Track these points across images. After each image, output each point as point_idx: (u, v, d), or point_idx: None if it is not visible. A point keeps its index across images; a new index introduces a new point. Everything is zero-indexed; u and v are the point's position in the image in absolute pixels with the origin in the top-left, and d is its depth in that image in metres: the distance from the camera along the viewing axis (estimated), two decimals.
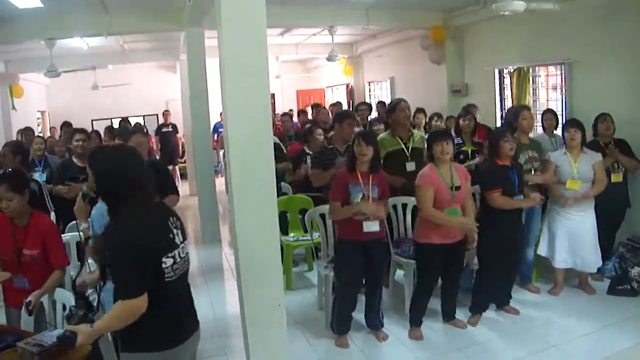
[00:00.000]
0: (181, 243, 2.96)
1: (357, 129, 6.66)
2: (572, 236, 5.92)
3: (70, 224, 5.49)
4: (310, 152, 7.00)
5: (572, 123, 5.99)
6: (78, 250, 5.23)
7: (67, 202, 5.83)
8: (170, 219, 2.98)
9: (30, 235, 4.11)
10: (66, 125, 10.44)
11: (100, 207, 3.73)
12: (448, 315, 5.53)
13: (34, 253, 4.08)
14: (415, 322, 5.38)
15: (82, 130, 6.81)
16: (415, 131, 6.79)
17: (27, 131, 10.28)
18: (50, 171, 7.06)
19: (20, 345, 3.17)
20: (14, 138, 12.62)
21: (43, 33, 9.69)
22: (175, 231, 2.94)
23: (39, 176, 6.74)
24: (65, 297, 3.79)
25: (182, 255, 2.95)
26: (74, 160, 6.62)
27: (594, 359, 4.79)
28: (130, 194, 2.81)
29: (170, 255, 2.84)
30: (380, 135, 6.51)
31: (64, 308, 3.72)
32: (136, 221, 2.78)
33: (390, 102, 7.75)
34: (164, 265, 2.79)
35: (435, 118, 9.39)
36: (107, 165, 2.87)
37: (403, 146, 6.31)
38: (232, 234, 4.12)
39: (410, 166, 6.18)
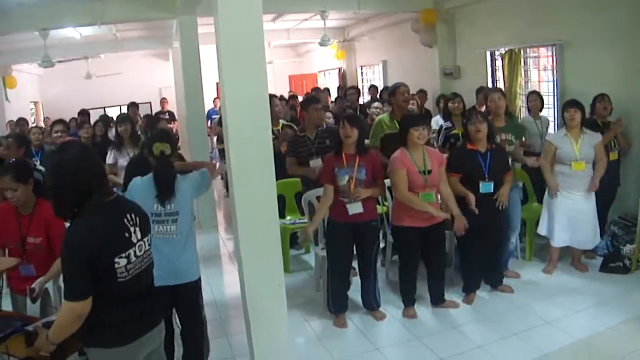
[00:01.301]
0: (139, 241, 2.95)
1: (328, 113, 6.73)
2: (572, 215, 5.96)
3: None
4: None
5: (571, 103, 5.99)
6: None
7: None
8: (128, 216, 2.94)
9: (35, 223, 4.20)
10: (82, 113, 10.47)
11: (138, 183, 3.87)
12: (435, 300, 5.59)
13: (38, 241, 4.17)
14: (407, 301, 5.48)
15: (61, 121, 6.82)
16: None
17: (20, 122, 10.33)
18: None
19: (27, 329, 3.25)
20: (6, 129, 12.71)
21: (36, 24, 9.68)
22: (132, 229, 2.92)
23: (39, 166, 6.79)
24: None
25: (138, 254, 2.94)
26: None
27: (587, 334, 4.88)
28: (87, 192, 2.78)
29: (123, 255, 2.83)
30: (380, 117, 6.64)
31: None
32: (89, 223, 2.76)
33: (391, 86, 7.82)
34: (116, 266, 2.78)
35: (441, 100, 9.36)
36: (66, 161, 2.79)
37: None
38: (232, 215, 4.19)
39: None
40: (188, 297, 4.16)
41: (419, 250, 5.38)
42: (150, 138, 4.16)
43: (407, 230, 5.19)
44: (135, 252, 2.89)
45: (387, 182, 5.40)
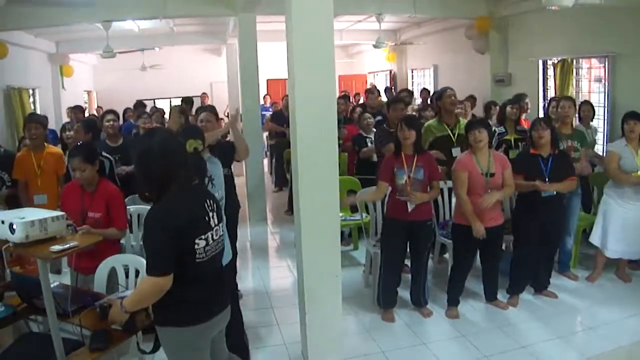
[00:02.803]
0: (216, 225, 3.12)
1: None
2: (627, 225, 5.91)
3: (131, 196, 5.83)
4: (370, 136, 7.18)
5: (631, 115, 5.95)
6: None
7: (128, 179, 6.16)
8: (207, 201, 3.11)
9: (97, 200, 4.50)
10: (139, 105, 10.75)
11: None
12: (489, 296, 5.68)
13: (97, 216, 4.45)
14: (452, 301, 5.57)
15: (112, 112, 7.04)
16: (462, 119, 6.90)
17: (75, 109, 10.67)
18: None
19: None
20: (64, 116, 13.14)
21: (99, 16, 9.99)
22: (211, 214, 3.08)
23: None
24: (137, 261, 4.09)
25: (215, 238, 3.09)
26: (106, 141, 6.75)
27: (629, 341, 4.91)
28: (171, 176, 2.94)
29: (203, 237, 2.97)
30: (428, 122, 6.72)
31: (137, 273, 4.05)
32: (174, 203, 2.92)
33: (438, 90, 7.91)
34: (196, 247, 2.93)
35: (493, 107, 9.41)
36: (152, 147, 2.95)
37: (450, 132, 6.50)
38: (295, 208, 4.36)
39: (456, 152, 6.34)
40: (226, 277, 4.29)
41: (475, 251, 5.50)
42: (182, 135, 4.32)
43: (466, 229, 5.26)
44: (212, 235, 3.06)
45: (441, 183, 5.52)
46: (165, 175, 2.93)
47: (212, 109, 5.84)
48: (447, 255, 6.27)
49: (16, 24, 9.82)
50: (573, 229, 6.30)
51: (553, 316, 5.42)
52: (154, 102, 16.16)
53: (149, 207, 3.02)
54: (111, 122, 6.71)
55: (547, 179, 5.43)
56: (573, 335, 5.06)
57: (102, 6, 9.48)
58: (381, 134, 6.84)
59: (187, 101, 11.70)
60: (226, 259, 4.22)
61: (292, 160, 4.37)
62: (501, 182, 5.30)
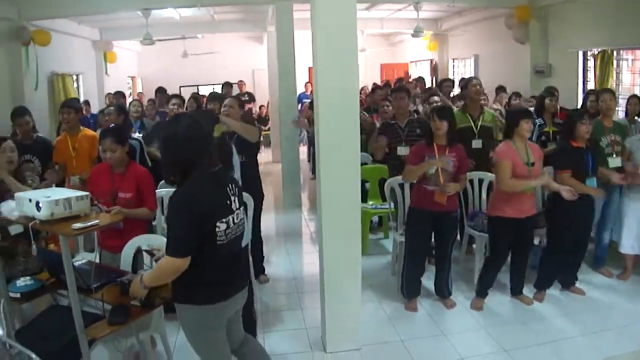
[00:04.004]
0: (237, 209, 3.23)
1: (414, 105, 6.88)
2: None
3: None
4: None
5: None
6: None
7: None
8: (229, 185, 3.22)
9: (127, 181, 4.63)
10: (160, 90, 10.94)
11: None
12: (515, 290, 5.64)
13: (128, 196, 4.59)
14: (480, 292, 5.56)
15: (177, 96, 7.23)
16: (486, 109, 6.87)
17: (117, 95, 10.92)
18: (146, 132, 7.53)
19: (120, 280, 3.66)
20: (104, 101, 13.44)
21: (139, 3, 10.23)
22: (232, 198, 3.20)
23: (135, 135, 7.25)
24: (162, 242, 4.12)
25: (236, 221, 3.20)
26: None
27: None
28: (194, 162, 3.05)
29: (224, 220, 3.09)
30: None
31: None
32: (197, 187, 3.03)
33: (464, 80, 7.88)
34: (217, 230, 3.05)
35: (514, 97, 9.40)
36: (177, 132, 3.07)
37: (472, 124, 6.46)
38: (317, 195, 4.42)
39: (477, 144, 6.37)
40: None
41: (510, 246, 5.44)
42: (211, 120, 4.41)
43: (505, 221, 5.25)
44: (233, 219, 3.17)
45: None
46: (189, 161, 3.04)
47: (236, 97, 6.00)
48: (474, 246, 6.27)
49: (59, 12, 10.11)
50: (611, 222, 6.18)
51: (578, 313, 5.36)
52: (197, 89, 16.37)
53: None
54: (175, 106, 6.96)
55: (590, 172, 5.41)
56: (596, 334, 4.97)
57: None
58: (382, 125, 6.98)
59: (227, 85, 11.84)
60: (245, 240, 4.36)
61: (315, 148, 4.44)
62: (540, 171, 5.28)
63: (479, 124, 6.48)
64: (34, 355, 3.30)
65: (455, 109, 6.69)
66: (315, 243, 7.78)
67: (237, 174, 4.44)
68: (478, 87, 6.59)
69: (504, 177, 5.17)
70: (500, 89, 9.99)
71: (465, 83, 6.85)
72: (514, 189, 5.17)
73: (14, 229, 4.17)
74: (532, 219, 5.37)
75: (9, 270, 4.22)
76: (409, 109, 6.99)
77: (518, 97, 9.37)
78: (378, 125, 7.58)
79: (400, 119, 6.67)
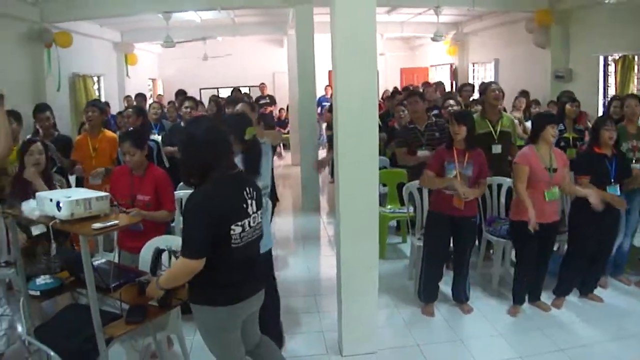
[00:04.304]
0: (254, 213, 3.24)
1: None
2: None
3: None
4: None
5: None
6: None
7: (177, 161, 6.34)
8: (247, 189, 3.24)
9: (145, 184, 4.70)
10: (180, 93, 11.01)
11: None
12: (533, 296, 5.59)
13: (146, 198, 4.65)
14: (518, 299, 5.50)
15: (191, 98, 7.29)
16: (505, 114, 6.82)
17: (138, 97, 11.01)
18: (164, 134, 7.60)
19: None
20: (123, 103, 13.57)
21: (160, 6, 10.33)
22: (249, 201, 3.22)
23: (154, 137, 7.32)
24: (177, 242, 4.19)
25: (252, 225, 3.22)
26: (183, 125, 7.06)
27: None
28: (212, 164, 3.09)
29: (239, 223, 3.12)
30: None
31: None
32: (214, 190, 3.07)
33: (482, 84, 7.84)
34: (232, 232, 3.07)
35: (533, 105, 9.34)
36: (196, 135, 3.13)
37: (491, 129, 6.41)
38: (335, 198, 4.42)
39: (496, 149, 6.31)
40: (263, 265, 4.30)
41: (536, 249, 5.36)
42: (241, 122, 4.41)
43: (526, 225, 5.15)
44: (249, 222, 3.19)
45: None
46: (207, 163, 3.08)
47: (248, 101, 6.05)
48: (492, 252, 6.24)
49: (81, 15, 10.23)
50: (632, 229, 6.11)
51: (596, 320, 5.30)
52: (217, 91, 16.48)
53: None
54: (189, 109, 7.00)
55: (612, 180, 5.34)
56: (614, 342, 4.90)
57: None
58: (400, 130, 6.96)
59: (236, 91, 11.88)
60: (266, 246, 4.32)
61: (334, 152, 4.45)
62: (563, 178, 5.25)
63: (498, 128, 6.42)
64: (52, 353, 3.37)
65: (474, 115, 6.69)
66: (333, 246, 7.73)
67: (267, 176, 4.44)
68: (497, 92, 6.53)
69: (516, 182, 5.20)
70: (523, 94, 9.93)
71: (484, 88, 6.80)
72: (519, 196, 5.18)
73: (36, 229, 4.22)
74: (554, 225, 5.33)
75: (29, 269, 4.30)
76: (427, 113, 6.95)
77: (537, 105, 9.32)
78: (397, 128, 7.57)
79: (418, 123, 6.65)
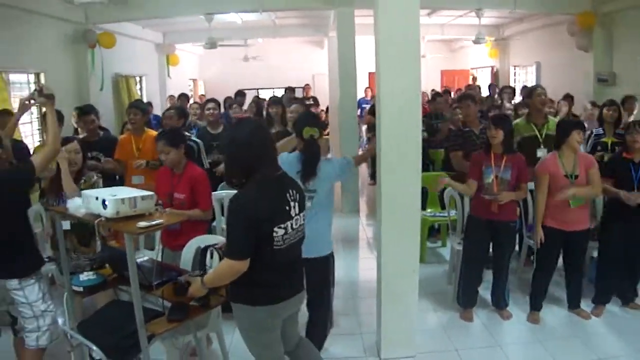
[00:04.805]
0: (296, 215, 3.24)
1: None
2: None
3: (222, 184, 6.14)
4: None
5: None
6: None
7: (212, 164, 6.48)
8: (290, 191, 3.22)
9: (182, 182, 4.76)
10: (240, 94, 11.07)
11: (284, 158, 4.17)
12: (571, 304, 5.51)
13: (182, 197, 4.72)
14: (534, 305, 5.44)
15: (213, 100, 7.31)
16: (551, 118, 6.69)
17: (182, 97, 11.14)
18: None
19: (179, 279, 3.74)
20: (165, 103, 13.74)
21: (203, 8, 10.44)
22: (292, 204, 3.20)
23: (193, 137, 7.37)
24: (221, 243, 4.23)
25: (295, 227, 3.21)
26: (207, 128, 7.10)
27: None
28: (256, 166, 3.09)
29: (282, 226, 3.11)
30: (516, 121, 6.60)
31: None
32: (257, 191, 3.06)
33: (528, 88, 7.75)
34: (274, 235, 3.07)
35: (591, 106, 9.14)
36: (239, 136, 3.13)
37: (537, 132, 6.34)
38: (377, 201, 4.41)
39: (542, 152, 6.19)
40: (316, 270, 4.26)
41: (558, 254, 5.33)
42: (300, 120, 4.42)
43: (548, 231, 5.16)
44: (292, 224, 3.19)
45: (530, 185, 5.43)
46: (250, 164, 3.09)
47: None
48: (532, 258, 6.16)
49: (124, 16, 10.40)
50: None
51: (636, 331, 5.16)
52: (257, 92, 16.60)
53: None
54: (211, 110, 7.03)
55: (635, 186, 5.21)
56: None
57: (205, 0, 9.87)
58: (454, 135, 6.90)
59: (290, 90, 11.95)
60: (322, 251, 4.32)
61: (376, 154, 4.44)
62: (586, 183, 5.15)
63: (544, 132, 6.33)
64: (95, 347, 3.42)
65: (519, 119, 6.66)
66: (372, 249, 7.79)
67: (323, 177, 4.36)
68: (543, 96, 6.45)
69: (537, 190, 5.23)
70: (567, 97, 9.79)
71: (529, 92, 6.71)
72: (537, 206, 5.19)
73: (64, 225, 4.29)
74: (583, 232, 5.24)
75: (59, 265, 4.41)
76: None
77: (594, 107, 9.10)
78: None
79: (473, 126, 6.63)
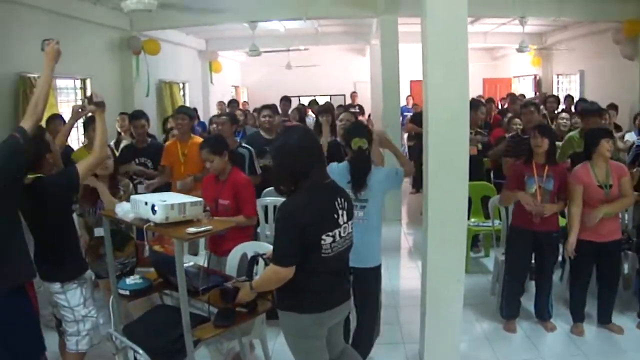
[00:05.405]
0: (344, 223, 3.23)
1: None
2: None
3: (269, 188, 6.13)
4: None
5: None
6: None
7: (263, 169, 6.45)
8: (338, 199, 3.22)
9: (227, 188, 4.82)
10: (285, 99, 11.15)
11: (334, 168, 4.21)
12: (602, 319, 5.39)
13: (226, 203, 4.77)
14: (575, 317, 5.35)
15: (269, 107, 7.36)
16: None
17: (232, 103, 11.29)
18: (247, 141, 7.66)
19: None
20: (213, 109, 13.88)
21: (246, 16, 10.55)
22: (340, 212, 3.20)
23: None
24: (267, 249, 4.14)
25: (343, 235, 3.20)
26: (262, 133, 7.11)
27: None
28: (304, 173, 3.10)
29: (330, 234, 3.11)
30: (571, 134, 6.52)
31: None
32: (305, 199, 3.08)
33: (588, 104, 7.58)
34: (322, 243, 3.07)
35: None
36: (288, 143, 3.15)
37: None
38: (424, 209, 4.40)
39: None
40: (365, 281, 4.32)
41: (592, 266, 5.24)
42: (349, 131, 4.43)
43: (581, 244, 5.07)
44: (340, 232, 3.19)
45: None
46: (299, 172, 3.10)
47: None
48: None
49: (169, 24, 10.56)
50: None
51: None
52: (299, 100, 16.66)
53: (283, 199, 3.21)
54: (267, 117, 7.07)
55: None
56: None
57: (249, 7, 10.01)
58: (512, 141, 6.82)
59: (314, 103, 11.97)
60: (372, 262, 4.34)
61: (423, 162, 4.42)
62: (619, 193, 5.06)
63: None
64: (141, 351, 3.46)
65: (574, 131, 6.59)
66: (413, 257, 7.77)
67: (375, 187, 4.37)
68: (598, 119, 6.34)
69: (570, 202, 5.12)
70: (611, 107, 9.64)
71: (587, 111, 6.57)
72: (571, 219, 5.10)
73: (98, 232, 4.35)
74: (616, 243, 5.16)
75: (95, 269, 4.52)
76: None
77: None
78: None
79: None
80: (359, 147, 4.19)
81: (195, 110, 10.77)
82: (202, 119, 12.17)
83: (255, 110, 10.53)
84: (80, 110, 4.65)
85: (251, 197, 4.93)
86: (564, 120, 7.81)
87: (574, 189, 5.06)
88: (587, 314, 5.46)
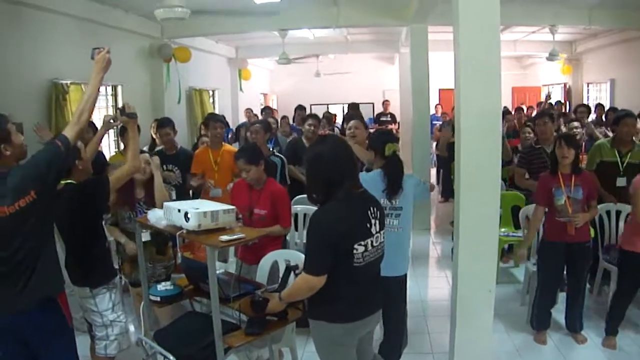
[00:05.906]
0: (377, 233, 3.22)
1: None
2: None
3: (299, 196, 6.15)
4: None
5: None
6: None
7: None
8: (371, 208, 3.21)
9: (263, 198, 4.80)
10: (300, 108, 11.19)
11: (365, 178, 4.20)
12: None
13: (262, 212, 4.76)
14: (610, 330, 5.25)
15: (314, 116, 7.37)
16: (638, 144, 6.36)
17: (267, 110, 11.37)
18: (279, 149, 7.68)
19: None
20: (241, 116, 13.95)
21: (276, 24, 10.61)
22: (373, 221, 3.20)
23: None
24: (298, 258, 4.24)
25: (375, 244, 3.19)
26: (304, 141, 7.15)
27: None
28: (337, 182, 3.08)
29: (362, 243, 3.09)
30: (600, 141, 6.44)
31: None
32: (338, 208, 3.07)
33: (618, 112, 7.48)
34: (354, 252, 3.06)
35: None
36: (322, 153, 3.15)
37: (618, 159, 6.13)
38: (455, 218, 4.38)
39: (621, 181, 6.01)
40: (394, 289, 4.30)
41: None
42: (378, 138, 4.43)
43: (637, 256, 4.92)
44: (372, 242, 3.18)
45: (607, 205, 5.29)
46: (332, 181, 3.09)
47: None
48: (606, 288, 6.00)
49: (199, 31, 10.68)
50: None
51: None
52: (327, 107, 16.70)
53: (314, 208, 3.23)
54: (311, 127, 7.08)
55: None
56: None
57: (280, 15, 10.05)
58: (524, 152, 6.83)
59: (354, 107, 11.95)
60: (401, 270, 4.37)
61: (455, 171, 4.41)
62: None
63: (626, 160, 6.10)
64: (172, 357, 3.48)
65: (604, 139, 6.50)
66: (442, 267, 7.75)
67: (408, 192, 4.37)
68: (631, 127, 6.17)
69: (635, 208, 4.94)
70: None
71: (617, 118, 6.36)
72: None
73: (144, 237, 4.39)
74: None
75: (135, 276, 4.56)
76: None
77: None
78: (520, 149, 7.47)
79: (545, 144, 6.51)
80: (394, 151, 4.20)
81: (223, 117, 10.86)
82: (230, 126, 12.24)
83: (283, 117, 10.58)
84: (111, 121, 4.69)
85: (288, 207, 4.96)
86: (575, 129, 7.75)
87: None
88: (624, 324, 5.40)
